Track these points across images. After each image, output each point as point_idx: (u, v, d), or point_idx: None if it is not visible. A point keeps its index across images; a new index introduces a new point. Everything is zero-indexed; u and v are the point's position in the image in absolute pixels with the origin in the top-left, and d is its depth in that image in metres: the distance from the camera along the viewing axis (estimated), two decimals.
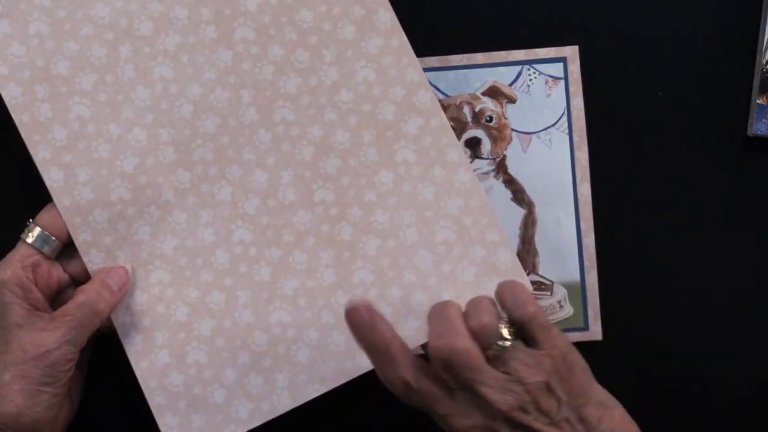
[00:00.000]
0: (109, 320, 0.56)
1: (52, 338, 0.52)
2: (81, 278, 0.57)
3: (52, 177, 0.56)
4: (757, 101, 0.61)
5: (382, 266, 0.57)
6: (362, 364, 0.56)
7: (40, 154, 0.56)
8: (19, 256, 0.54)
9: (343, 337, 0.57)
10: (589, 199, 0.62)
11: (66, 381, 0.54)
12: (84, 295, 0.54)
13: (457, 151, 0.58)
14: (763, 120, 0.61)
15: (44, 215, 0.56)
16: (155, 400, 0.56)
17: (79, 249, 0.56)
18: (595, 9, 0.62)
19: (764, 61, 0.61)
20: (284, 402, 0.56)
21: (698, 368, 0.62)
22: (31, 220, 0.56)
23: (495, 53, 0.62)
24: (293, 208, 0.57)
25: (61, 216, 0.56)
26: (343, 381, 0.57)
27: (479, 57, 0.62)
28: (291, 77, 0.57)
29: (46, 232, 0.55)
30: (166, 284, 0.57)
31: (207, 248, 0.57)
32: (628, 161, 0.62)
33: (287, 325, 0.57)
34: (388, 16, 0.57)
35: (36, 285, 0.55)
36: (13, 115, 0.56)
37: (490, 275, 0.57)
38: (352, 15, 0.57)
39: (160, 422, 0.56)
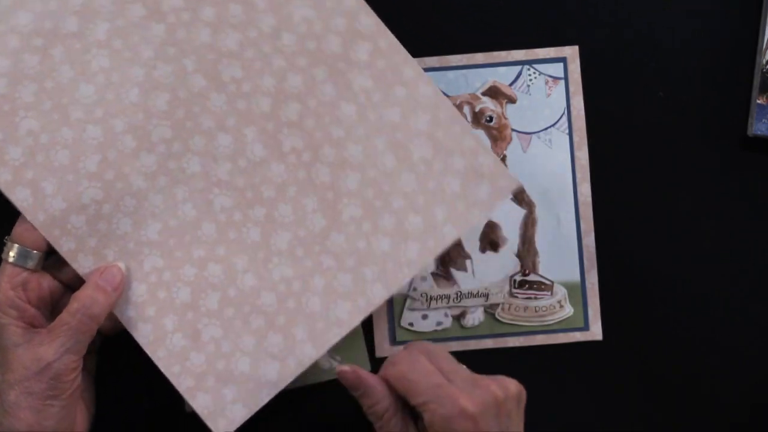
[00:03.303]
0: (111, 321, 0.55)
1: (50, 350, 0.52)
2: (74, 284, 0.55)
3: (19, 197, 0.54)
4: (757, 101, 0.61)
5: (368, 198, 0.56)
6: (374, 298, 0.56)
7: (1, 178, 0.54)
8: (5, 277, 0.53)
9: (348, 276, 0.56)
10: (589, 199, 0.62)
11: (73, 390, 0.53)
12: (78, 302, 0.53)
13: (413, 67, 0.56)
14: (763, 120, 0.61)
15: (18, 230, 0.54)
16: (183, 385, 0.55)
17: (66, 258, 0.55)
18: (595, 9, 0.62)
19: (764, 61, 0.61)
20: (308, 353, 0.56)
21: (698, 368, 0.62)
22: (6, 238, 0.54)
23: (495, 53, 0.62)
24: (265, 163, 0.56)
25: (34, 227, 0.54)
26: (360, 319, 0.56)
27: (479, 57, 0.62)
28: (229, 34, 0.56)
29: (26, 248, 0.54)
30: (161, 269, 0.56)
31: (191, 224, 0.56)
32: (628, 161, 0.62)
33: (291, 279, 0.56)
34: None
35: (29, 302, 0.54)
36: None
37: (476, 181, 0.56)
38: None
39: (195, 404, 0.55)
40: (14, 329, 0.53)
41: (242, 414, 0.55)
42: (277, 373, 0.55)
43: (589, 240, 0.62)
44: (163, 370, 0.55)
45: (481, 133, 0.62)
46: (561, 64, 0.62)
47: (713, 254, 0.62)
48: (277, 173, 0.56)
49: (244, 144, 0.56)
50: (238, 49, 0.56)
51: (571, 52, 0.62)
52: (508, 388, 0.52)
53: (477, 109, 0.62)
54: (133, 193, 0.55)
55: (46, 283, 0.55)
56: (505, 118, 0.62)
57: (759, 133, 0.61)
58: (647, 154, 0.62)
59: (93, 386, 0.58)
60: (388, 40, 0.56)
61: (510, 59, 0.62)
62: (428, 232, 0.56)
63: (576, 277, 0.62)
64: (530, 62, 0.62)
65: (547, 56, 0.62)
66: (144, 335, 0.55)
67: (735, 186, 0.62)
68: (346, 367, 0.54)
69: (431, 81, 0.57)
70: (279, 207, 0.56)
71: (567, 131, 0.62)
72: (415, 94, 0.56)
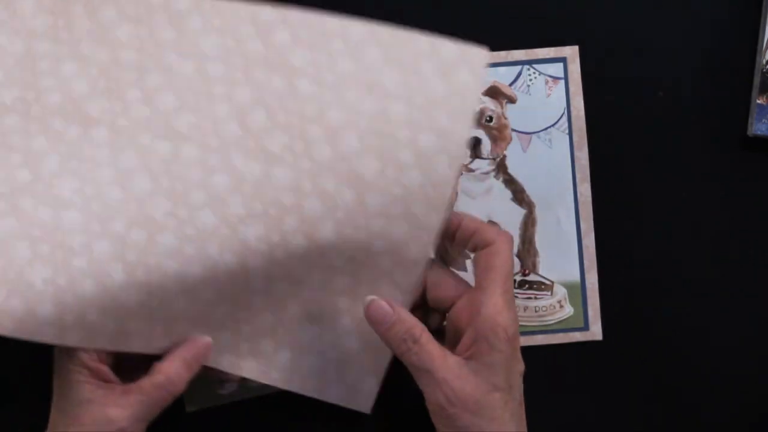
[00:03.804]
0: None
1: (124, 415, 0.51)
2: None
3: None
4: (757, 101, 0.61)
5: (375, 145, 0.54)
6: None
7: None
8: None
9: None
10: (590, 199, 0.62)
11: None
12: (163, 375, 0.52)
13: (334, 21, 0.55)
14: (763, 120, 0.61)
15: None
16: None
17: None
18: (595, 9, 0.62)
19: (764, 61, 0.61)
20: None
21: (698, 368, 0.62)
22: None
23: (495, 53, 0.62)
24: (267, 175, 0.54)
25: None
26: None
27: None
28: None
29: None
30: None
31: (242, 280, 0.55)
32: (628, 161, 0.62)
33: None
34: None
35: (99, 360, 0.53)
36: None
37: (455, 70, 0.54)
38: None
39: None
40: (86, 386, 0.51)
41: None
42: None
43: (589, 240, 0.62)
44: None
45: (481, 133, 0.62)
46: (561, 64, 0.62)
47: (713, 254, 0.62)
48: (284, 177, 0.53)
49: (237, 171, 0.53)
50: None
51: (571, 52, 0.62)
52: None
53: (477, 109, 0.62)
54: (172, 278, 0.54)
55: None
56: (505, 118, 0.62)
57: (759, 133, 0.61)
58: (647, 154, 0.62)
59: None
60: (297, 14, 0.55)
61: (510, 59, 0.62)
62: (444, 137, 0.53)
63: (576, 277, 0.62)
64: (530, 62, 0.62)
65: (547, 56, 0.62)
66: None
67: (735, 186, 0.62)
68: (373, 299, 0.53)
69: (358, 22, 0.54)
70: (306, 205, 0.53)
71: (567, 131, 0.62)
72: (350, 39, 0.54)
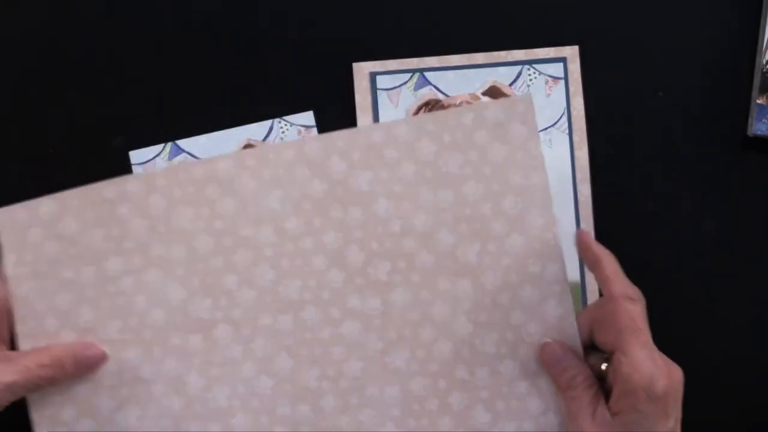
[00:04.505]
0: None
1: (3, 381, 0.52)
2: None
3: None
4: (757, 101, 0.61)
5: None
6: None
7: None
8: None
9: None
10: (590, 199, 0.62)
11: None
12: (48, 357, 0.54)
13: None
14: (763, 120, 0.61)
15: None
16: None
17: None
18: (596, 9, 0.62)
19: (764, 61, 0.61)
20: None
21: (698, 368, 0.61)
22: None
23: (495, 53, 0.62)
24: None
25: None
26: None
27: (479, 57, 0.62)
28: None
29: None
30: None
31: None
32: (628, 161, 0.62)
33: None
34: None
35: None
36: None
37: (505, 134, 0.55)
38: None
39: None
40: None
41: None
42: None
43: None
44: None
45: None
46: (561, 64, 0.62)
47: (713, 254, 0.62)
48: (402, 298, 0.56)
49: (360, 312, 0.56)
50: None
51: (571, 52, 0.62)
52: (681, 374, 0.51)
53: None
54: None
55: (1, 292, 0.55)
56: None
57: (759, 133, 0.61)
58: (647, 154, 0.62)
59: None
60: (340, 138, 0.56)
61: (510, 59, 0.62)
62: (524, 193, 0.55)
63: (576, 277, 0.62)
64: (530, 62, 0.62)
65: (547, 56, 0.62)
66: None
67: (735, 186, 0.62)
68: (550, 342, 0.54)
69: (399, 122, 0.55)
70: (433, 312, 0.56)
71: (567, 131, 0.62)
72: (399, 142, 0.56)
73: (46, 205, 0.55)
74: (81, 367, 0.55)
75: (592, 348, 0.54)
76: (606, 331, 0.52)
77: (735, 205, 0.62)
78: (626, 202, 0.62)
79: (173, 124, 0.63)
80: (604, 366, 0.53)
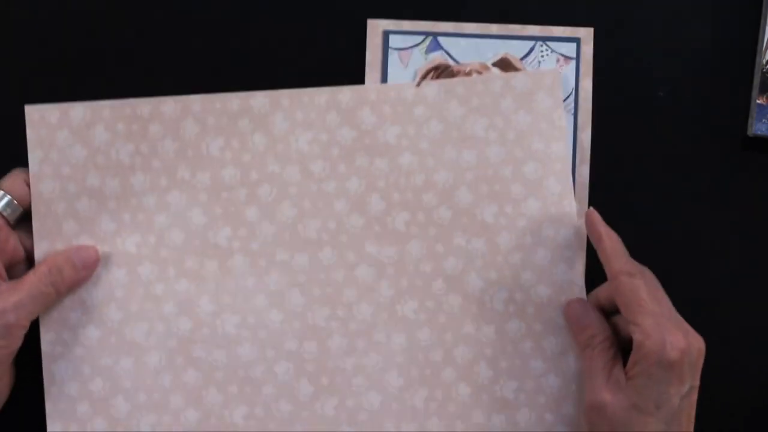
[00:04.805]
0: None
1: (11, 300, 0.52)
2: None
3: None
4: (757, 101, 0.62)
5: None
6: None
7: None
8: None
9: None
10: (587, 181, 0.61)
11: (15, 350, 0.54)
12: (46, 266, 0.54)
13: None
14: (763, 120, 0.61)
15: (8, 181, 0.55)
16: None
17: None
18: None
19: (764, 61, 0.62)
20: None
21: None
22: None
23: (510, 26, 0.61)
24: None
25: (26, 184, 0.55)
26: None
27: (493, 28, 0.61)
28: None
29: (11, 197, 0.55)
30: None
31: None
32: (629, 158, 0.62)
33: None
34: None
35: None
36: None
37: (531, 98, 0.58)
38: None
39: None
40: None
41: None
42: None
43: (582, 222, 0.61)
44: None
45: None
46: (574, 45, 0.62)
47: (712, 254, 0.62)
48: (418, 249, 0.57)
49: (375, 258, 0.57)
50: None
51: (586, 34, 0.62)
52: (702, 343, 0.53)
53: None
54: None
55: (13, 242, 0.55)
56: None
57: (759, 133, 0.61)
58: (647, 154, 0.62)
59: (13, 377, 0.57)
60: (373, 91, 0.58)
61: (524, 33, 0.61)
62: (544, 160, 0.57)
63: None
64: (544, 39, 0.61)
65: (562, 35, 0.62)
66: None
67: (735, 186, 0.62)
68: (574, 300, 0.56)
69: (432, 83, 0.57)
70: (446, 266, 0.57)
71: (572, 111, 0.61)
72: (428, 101, 0.58)
73: (78, 109, 0.55)
74: (78, 269, 0.55)
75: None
76: (619, 307, 0.54)
77: (735, 205, 0.62)
78: (624, 199, 0.62)
79: None
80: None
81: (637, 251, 0.61)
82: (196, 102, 0.55)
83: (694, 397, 0.52)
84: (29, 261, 0.56)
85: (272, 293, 0.56)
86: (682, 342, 0.51)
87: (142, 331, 0.55)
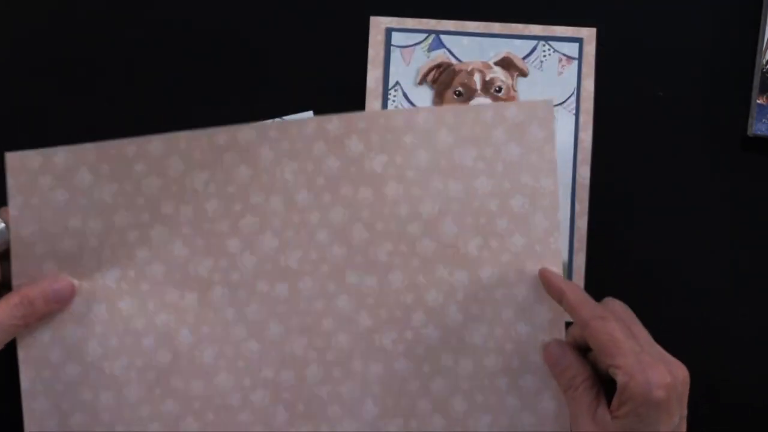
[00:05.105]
0: None
1: None
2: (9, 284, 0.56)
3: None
4: (757, 101, 0.62)
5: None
6: None
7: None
8: None
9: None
10: (587, 182, 0.61)
11: None
12: (18, 297, 0.54)
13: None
14: (763, 120, 0.62)
15: (5, 210, 0.55)
16: None
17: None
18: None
19: (764, 61, 0.62)
20: None
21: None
22: None
23: (512, 25, 0.61)
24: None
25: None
26: None
27: (496, 26, 0.61)
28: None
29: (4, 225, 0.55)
30: None
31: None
32: (629, 157, 0.62)
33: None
34: None
35: None
36: None
37: (521, 133, 0.56)
38: None
39: None
40: None
41: None
42: None
43: (582, 222, 0.61)
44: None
45: (488, 102, 0.61)
46: (577, 45, 0.62)
47: (712, 254, 0.62)
48: (399, 280, 0.56)
49: (355, 288, 0.56)
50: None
51: (588, 34, 0.62)
52: (686, 372, 0.51)
53: (487, 78, 0.61)
54: None
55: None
56: (515, 91, 0.62)
57: (759, 133, 0.62)
58: (647, 154, 0.62)
59: None
60: (361, 119, 0.56)
61: (527, 33, 0.62)
62: (532, 195, 0.56)
63: (564, 256, 0.62)
64: (546, 38, 0.62)
65: (564, 35, 0.62)
66: None
67: (735, 186, 0.62)
68: (551, 342, 0.55)
69: (421, 110, 0.57)
70: (426, 297, 0.56)
71: (574, 111, 0.62)
72: (417, 129, 0.56)
73: (61, 155, 0.55)
74: (50, 302, 0.54)
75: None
76: (596, 353, 0.53)
77: (735, 205, 0.62)
78: (624, 197, 0.62)
79: None
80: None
81: (637, 251, 0.62)
82: (182, 139, 0.55)
83: (683, 427, 0.52)
84: (8, 286, 0.56)
85: (251, 323, 0.56)
86: (667, 377, 0.50)
87: (121, 365, 0.56)
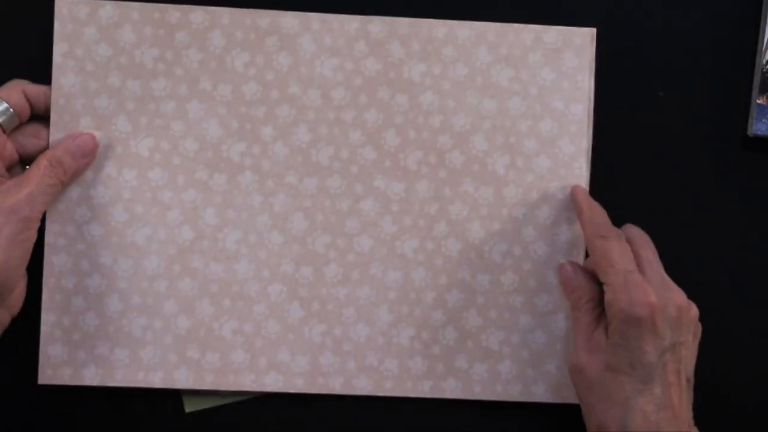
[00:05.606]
0: None
1: (23, 193, 0.53)
2: (31, 160, 0.56)
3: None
4: (757, 101, 0.62)
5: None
6: None
7: None
8: None
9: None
10: (587, 181, 0.61)
11: (32, 245, 0.54)
12: (46, 159, 0.55)
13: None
14: (763, 120, 0.61)
15: (5, 90, 0.55)
16: None
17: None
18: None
19: (764, 61, 0.62)
20: None
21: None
22: None
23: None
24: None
25: (23, 94, 0.55)
26: None
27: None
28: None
29: (8, 105, 0.55)
30: None
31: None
32: (629, 157, 0.62)
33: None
34: None
35: None
36: None
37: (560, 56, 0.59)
38: None
39: None
40: None
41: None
42: None
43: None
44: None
45: None
46: None
47: (712, 254, 0.62)
48: (425, 189, 0.58)
49: (382, 193, 0.58)
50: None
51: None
52: (692, 306, 0.53)
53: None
54: None
55: (9, 147, 0.56)
56: None
57: (759, 133, 0.61)
58: (647, 154, 0.62)
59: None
60: (404, 25, 0.58)
61: None
62: (561, 120, 0.59)
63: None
64: None
65: None
66: None
67: (735, 186, 0.62)
68: (566, 262, 0.57)
69: (463, 23, 0.58)
70: (450, 210, 0.58)
71: None
72: (458, 43, 0.58)
73: (108, 7, 0.55)
74: (77, 157, 0.56)
75: None
76: (595, 271, 0.55)
77: (735, 205, 0.62)
78: (624, 197, 0.61)
79: None
80: None
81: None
82: (225, 15, 0.56)
83: (684, 352, 0.52)
84: (23, 165, 0.57)
85: (276, 214, 0.57)
86: (651, 297, 0.51)
87: (144, 235, 0.56)
